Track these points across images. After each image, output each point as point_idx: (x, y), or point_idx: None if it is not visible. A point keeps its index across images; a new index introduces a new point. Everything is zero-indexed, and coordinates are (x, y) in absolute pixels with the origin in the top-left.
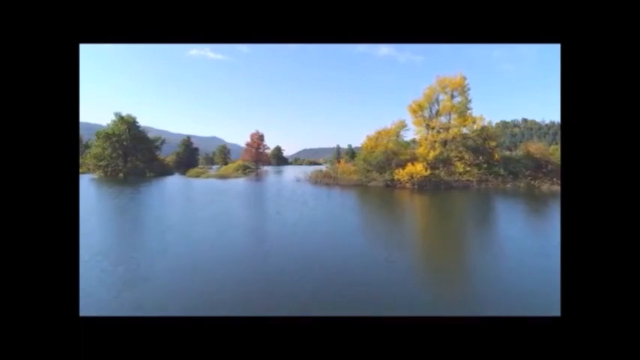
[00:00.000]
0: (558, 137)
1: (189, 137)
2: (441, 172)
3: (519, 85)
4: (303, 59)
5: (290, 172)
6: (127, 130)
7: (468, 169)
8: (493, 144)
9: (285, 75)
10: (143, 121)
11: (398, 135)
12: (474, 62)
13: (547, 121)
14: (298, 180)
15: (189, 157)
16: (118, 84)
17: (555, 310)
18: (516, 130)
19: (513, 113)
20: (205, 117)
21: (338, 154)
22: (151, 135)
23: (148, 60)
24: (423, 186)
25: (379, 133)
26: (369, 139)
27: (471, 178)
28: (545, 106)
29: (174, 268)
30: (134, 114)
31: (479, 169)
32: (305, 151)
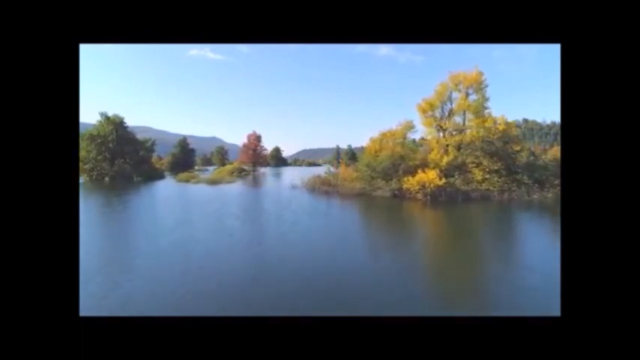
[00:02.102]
0: (560, 138)
1: (185, 138)
2: (457, 181)
3: (519, 85)
4: (303, 59)
5: (288, 174)
6: (115, 131)
7: (487, 176)
8: (517, 148)
9: (285, 75)
10: (142, 122)
11: (405, 137)
12: (473, 62)
13: (548, 122)
14: (294, 187)
15: (186, 158)
16: (118, 84)
17: None
18: (517, 130)
19: (514, 113)
20: (205, 117)
21: (338, 154)
22: (147, 135)
23: (148, 60)
24: (436, 197)
25: (384, 134)
26: (373, 141)
27: (491, 188)
28: (545, 106)
29: None
30: (134, 114)
31: (499, 177)
32: (304, 151)
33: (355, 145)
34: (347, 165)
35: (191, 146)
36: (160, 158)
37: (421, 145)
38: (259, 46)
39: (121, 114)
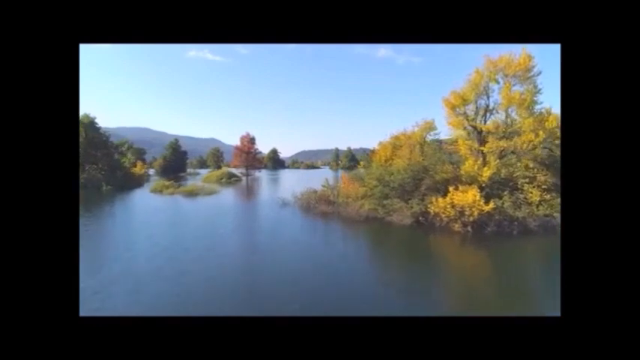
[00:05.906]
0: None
1: (177, 139)
2: (505, 203)
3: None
4: (302, 60)
5: (283, 179)
6: (84, 133)
7: (547, 196)
8: None
9: (284, 76)
10: (141, 123)
11: (424, 142)
12: (473, 64)
13: None
14: (285, 203)
15: (177, 160)
16: (117, 85)
17: None
18: None
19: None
20: (204, 118)
21: (337, 157)
22: (146, 136)
23: (147, 61)
24: (480, 227)
25: (397, 137)
26: (383, 146)
27: (554, 213)
28: (545, 106)
29: None
30: (133, 115)
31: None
32: (303, 152)
33: (354, 146)
34: (347, 169)
35: (189, 147)
36: (155, 160)
37: (468, 159)
38: (258, 48)
39: (121, 114)
